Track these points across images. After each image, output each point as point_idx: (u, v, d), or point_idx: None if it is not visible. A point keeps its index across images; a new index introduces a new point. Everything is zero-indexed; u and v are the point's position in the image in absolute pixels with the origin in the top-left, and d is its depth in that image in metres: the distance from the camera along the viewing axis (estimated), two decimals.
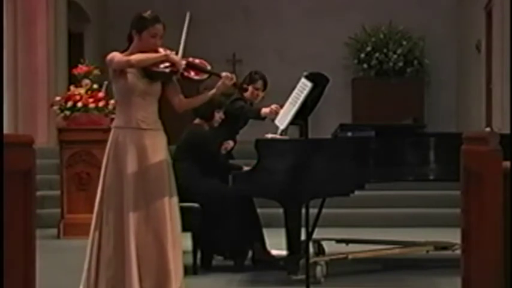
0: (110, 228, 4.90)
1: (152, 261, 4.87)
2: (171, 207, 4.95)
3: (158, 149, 4.99)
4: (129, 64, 4.91)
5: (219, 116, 6.75)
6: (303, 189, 5.59)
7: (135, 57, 4.91)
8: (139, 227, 4.87)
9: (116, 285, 4.87)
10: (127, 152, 4.92)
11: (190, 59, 5.14)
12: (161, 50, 5.05)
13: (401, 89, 14.08)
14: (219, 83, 5.15)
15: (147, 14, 5.04)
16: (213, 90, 5.17)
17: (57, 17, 11.98)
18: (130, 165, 4.89)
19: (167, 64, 5.01)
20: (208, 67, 5.21)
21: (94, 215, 4.98)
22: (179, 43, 5.11)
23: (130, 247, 4.83)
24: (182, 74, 5.06)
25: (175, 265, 4.91)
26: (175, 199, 5.02)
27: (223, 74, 5.18)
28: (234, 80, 5.20)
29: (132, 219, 4.85)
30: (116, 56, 4.95)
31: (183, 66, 4.94)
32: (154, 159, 4.95)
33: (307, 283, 5.42)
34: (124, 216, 4.86)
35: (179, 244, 5.01)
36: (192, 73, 5.11)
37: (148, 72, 4.99)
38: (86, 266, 4.96)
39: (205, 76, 5.15)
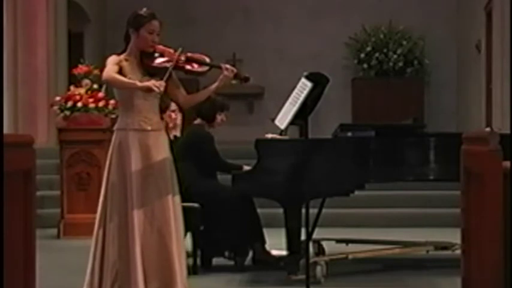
0: (114, 228, 4.89)
1: (157, 261, 4.87)
2: (174, 207, 4.95)
3: (161, 149, 5.00)
4: (108, 79, 4.92)
5: (220, 118, 6.75)
6: (302, 189, 5.59)
7: (116, 77, 4.89)
8: (143, 227, 4.87)
9: (121, 287, 4.87)
10: (130, 153, 4.92)
11: (189, 54, 5.13)
12: (159, 46, 5.05)
13: (401, 89, 14.08)
14: (221, 76, 5.12)
15: (143, 11, 5.05)
16: (216, 83, 5.14)
17: (57, 17, 11.98)
18: (134, 165, 4.89)
19: (165, 59, 5.02)
20: (208, 60, 5.20)
21: (97, 215, 4.97)
22: (177, 46, 5.10)
23: (135, 248, 4.82)
24: (184, 68, 5.07)
25: (180, 265, 4.91)
26: (178, 198, 5.03)
27: (224, 65, 5.16)
28: (235, 71, 5.17)
29: (136, 219, 4.84)
30: (108, 63, 4.95)
31: (162, 88, 4.87)
32: (158, 159, 4.95)
33: (307, 283, 5.42)
34: (128, 216, 4.86)
35: (183, 244, 5.02)
36: (194, 65, 5.10)
37: (148, 69, 4.99)
38: (89, 268, 4.94)
39: (206, 68, 5.14)
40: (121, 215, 4.89)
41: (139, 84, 4.86)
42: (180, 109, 6.69)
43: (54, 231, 8.62)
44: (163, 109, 6.14)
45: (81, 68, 8.91)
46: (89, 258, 4.96)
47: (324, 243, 6.93)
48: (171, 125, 6.83)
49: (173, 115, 6.84)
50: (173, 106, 6.67)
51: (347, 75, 14.44)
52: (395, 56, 14.16)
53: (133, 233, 4.84)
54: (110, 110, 8.61)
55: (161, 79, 4.90)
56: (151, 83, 4.82)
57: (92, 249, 4.96)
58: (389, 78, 14.25)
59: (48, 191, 9.56)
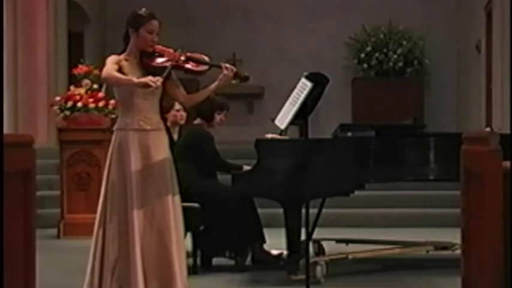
0: (114, 228, 4.89)
1: (157, 261, 4.86)
2: (174, 207, 4.95)
3: (161, 149, 5.00)
4: (105, 77, 4.93)
5: (219, 117, 6.75)
6: (303, 189, 5.59)
7: (113, 74, 4.88)
8: (143, 227, 4.87)
9: (121, 287, 4.86)
10: (130, 152, 4.91)
11: (189, 54, 5.13)
12: (159, 46, 5.05)
13: (401, 89, 14.09)
14: (221, 75, 5.12)
15: (142, 11, 5.05)
16: (215, 83, 5.13)
17: (57, 17, 11.98)
18: (134, 165, 4.89)
19: (165, 59, 5.02)
20: (207, 59, 5.19)
21: (97, 215, 4.97)
22: (176, 47, 5.11)
23: (135, 248, 4.82)
24: (183, 67, 5.07)
25: (180, 265, 4.91)
26: (177, 198, 5.02)
27: (223, 65, 5.15)
28: (235, 70, 5.16)
29: (136, 219, 4.84)
30: (107, 62, 4.95)
31: (159, 83, 4.86)
32: (158, 159, 4.95)
33: (307, 283, 5.42)
34: (128, 216, 4.86)
35: (183, 244, 5.02)
36: (193, 65, 5.10)
37: (148, 69, 4.99)
38: (89, 269, 4.93)
39: (205, 68, 5.14)
40: (121, 215, 4.89)
41: (136, 80, 4.85)
42: (185, 108, 6.70)
43: (54, 231, 8.62)
44: (167, 109, 6.14)
45: (81, 68, 8.91)
46: (89, 258, 4.96)
47: (324, 243, 6.93)
48: (182, 122, 6.85)
49: (183, 114, 6.83)
50: (177, 105, 6.67)
51: (347, 75, 14.45)
52: (395, 56, 14.16)
53: (133, 233, 4.84)
54: (110, 110, 8.61)
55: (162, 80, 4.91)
56: (148, 78, 4.81)
57: (92, 249, 4.96)
58: (389, 78, 14.26)
59: (48, 191, 9.56)
